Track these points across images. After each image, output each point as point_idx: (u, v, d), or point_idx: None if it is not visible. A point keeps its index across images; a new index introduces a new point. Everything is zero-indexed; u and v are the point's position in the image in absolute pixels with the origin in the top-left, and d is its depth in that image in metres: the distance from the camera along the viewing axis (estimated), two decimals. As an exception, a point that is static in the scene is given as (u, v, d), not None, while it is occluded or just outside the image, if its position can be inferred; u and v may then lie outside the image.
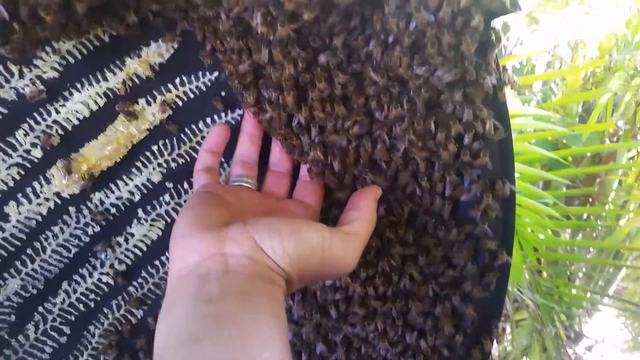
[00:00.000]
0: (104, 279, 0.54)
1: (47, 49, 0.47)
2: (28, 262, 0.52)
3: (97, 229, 0.53)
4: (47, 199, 0.51)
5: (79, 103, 0.49)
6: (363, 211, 0.45)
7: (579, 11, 1.82)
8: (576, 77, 1.83)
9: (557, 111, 1.78)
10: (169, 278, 0.38)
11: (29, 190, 0.51)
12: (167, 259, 0.56)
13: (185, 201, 0.54)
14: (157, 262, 0.55)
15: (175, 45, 0.49)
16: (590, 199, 1.80)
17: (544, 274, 1.68)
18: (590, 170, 1.69)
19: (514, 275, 1.24)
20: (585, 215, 1.74)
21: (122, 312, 0.56)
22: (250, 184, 0.50)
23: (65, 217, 0.52)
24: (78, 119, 0.50)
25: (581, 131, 1.54)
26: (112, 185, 0.53)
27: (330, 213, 0.52)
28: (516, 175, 1.24)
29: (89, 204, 0.52)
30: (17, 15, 0.38)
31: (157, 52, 0.49)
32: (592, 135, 1.70)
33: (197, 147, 0.53)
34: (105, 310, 0.56)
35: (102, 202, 0.53)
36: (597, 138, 1.76)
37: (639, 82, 1.68)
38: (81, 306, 0.55)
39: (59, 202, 0.52)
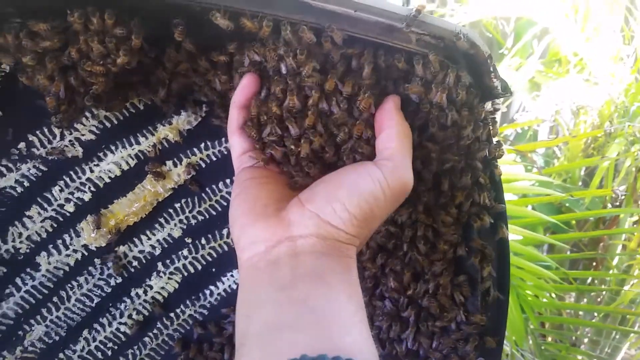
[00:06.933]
0: (122, 328, 0.57)
1: (87, 114, 0.52)
2: (53, 309, 0.55)
3: (119, 280, 0.57)
4: (75, 251, 0.55)
5: (112, 163, 0.54)
6: (393, 128, 0.42)
7: (579, 79, 1.89)
8: (578, 142, 1.88)
9: (559, 175, 1.82)
10: (239, 268, 0.38)
11: (59, 242, 0.55)
12: (182, 311, 0.59)
13: (202, 256, 0.58)
14: (172, 315, 0.58)
15: (203, 114, 0.55)
16: (594, 263, 1.81)
17: (549, 339, 1.67)
18: (592, 235, 1.71)
19: (517, 339, 1.24)
20: (589, 280, 1.75)
21: (136, 361, 0.59)
22: None
23: (90, 268, 0.56)
24: (110, 177, 0.54)
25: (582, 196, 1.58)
26: (136, 240, 0.56)
27: None
28: (519, 237, 1.27)
29: (114, 257, 0.56)
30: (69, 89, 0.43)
31: (186, 120, 0.54)
32: (595, 199, 1.73)
33: (216, 205, 0.58)
34: (121, 359, 0.58)
35: (125, 255, 0.56)
36: (600, 202, 1.79)
37: (638, 149, 1.72)
38: (99, 354, 0.57)
39: (86, 254, 0.55)
